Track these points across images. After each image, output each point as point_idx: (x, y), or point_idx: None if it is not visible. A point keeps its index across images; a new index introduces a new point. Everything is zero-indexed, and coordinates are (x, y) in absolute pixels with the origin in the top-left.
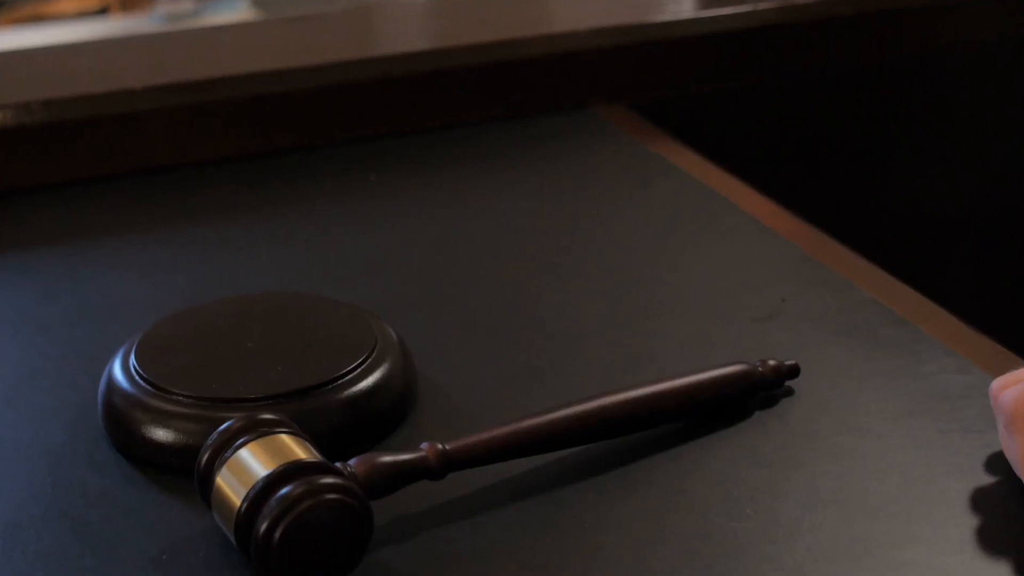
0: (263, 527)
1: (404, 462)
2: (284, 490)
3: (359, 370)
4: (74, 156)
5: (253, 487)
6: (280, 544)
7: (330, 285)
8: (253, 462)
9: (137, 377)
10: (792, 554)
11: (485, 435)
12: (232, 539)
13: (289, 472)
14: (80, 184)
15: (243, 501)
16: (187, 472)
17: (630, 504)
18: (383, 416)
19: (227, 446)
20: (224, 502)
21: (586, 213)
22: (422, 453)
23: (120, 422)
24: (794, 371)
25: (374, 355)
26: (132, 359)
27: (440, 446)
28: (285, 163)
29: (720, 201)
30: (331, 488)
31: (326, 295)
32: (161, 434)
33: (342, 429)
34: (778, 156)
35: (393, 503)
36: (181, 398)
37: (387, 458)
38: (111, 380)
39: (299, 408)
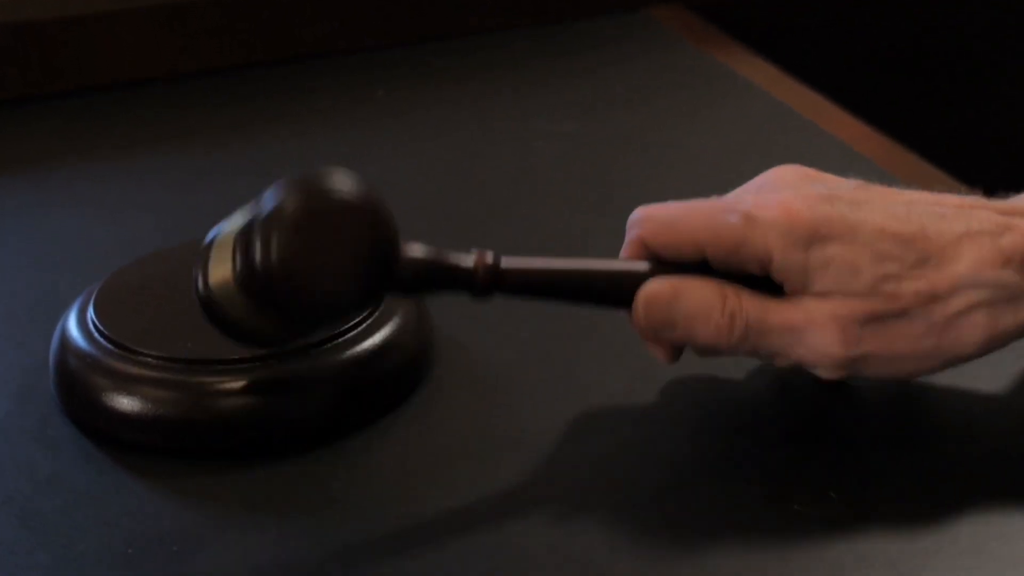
0: (257, 248)
1: (448, 260)
2: (280, 204)
3: (365, 324)
4: (21, 69)
5: (243, 227)
6: (281, 260)
7: None
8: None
9: (96, 334)
10: (885, 550)
11: (547, 260)
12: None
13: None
14: (28, 103)
15: (235, 248)
16: (157, 449)
17: (693, 490)
18: (394, 380)
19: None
20: (223, 278)
21: (638, 137)
22: (471, 256)
23: (76, 389)
24: None
25: (382, 306)
26: (90, 313)
27: (492, 257)
28: (276, 76)
29: (800, 122)
30: (341, 189)
31: None
32: (126, 403)
33: (345, 396)
34: (870, 68)
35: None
36: (149, 359)
37: (428, 249)
38: (65, 338)
39: (293, 370)
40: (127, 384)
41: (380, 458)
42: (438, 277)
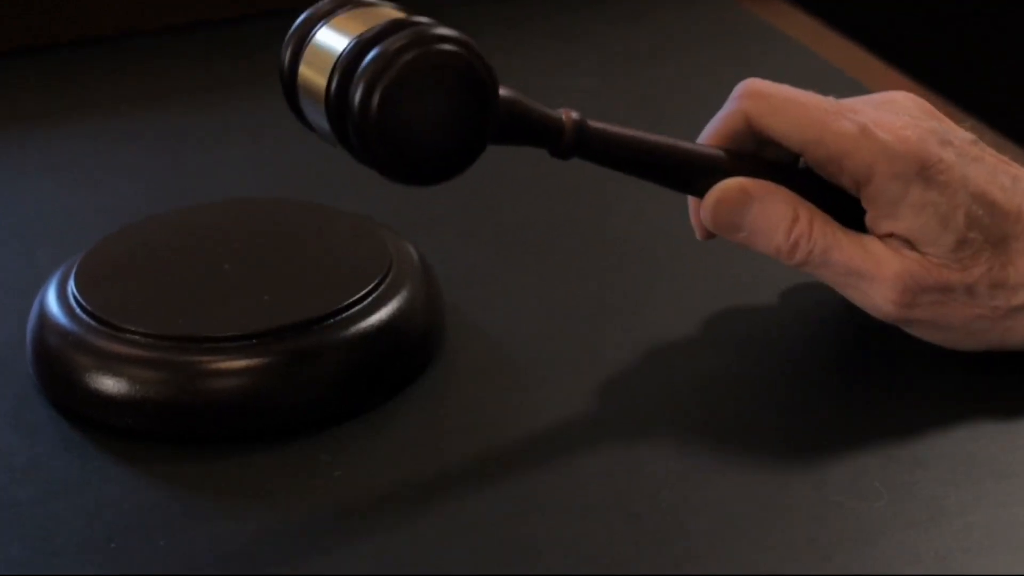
0: (359, 91)
1: (540, 112)
2: (383, 44)
3: (370, 299)
4: None
5: (343, 51)
6: (381, 107)
7: (331, 189)
8: (342, 34)
9: (78, 310)
10: (933, 543)
11: (630, 130)
12: (329, 131)
13: (390, 28)
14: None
15: (332, 71)
16: (143, 435)
17: (724, 479)
18: (401, 359)
19: (311, 27)
20: (311, 90)
21: (668, 95)
22: (559, 113)
23: (56, 370)
24: None
25: (389, 280)
26: (71, 287)
27: (577, 116)
28: (270, 29)
29: (843, 80)
30: (445, 39)
31: (325, 202)
32: (110, 384)
33: (349, 376)
34: (918, 22)
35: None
36: (136, 337)
37: (520, 98)
38: (44, 315)
39: (293, 348)
40: (112, 364)
41: (385, 443)
42: (527, 126)
